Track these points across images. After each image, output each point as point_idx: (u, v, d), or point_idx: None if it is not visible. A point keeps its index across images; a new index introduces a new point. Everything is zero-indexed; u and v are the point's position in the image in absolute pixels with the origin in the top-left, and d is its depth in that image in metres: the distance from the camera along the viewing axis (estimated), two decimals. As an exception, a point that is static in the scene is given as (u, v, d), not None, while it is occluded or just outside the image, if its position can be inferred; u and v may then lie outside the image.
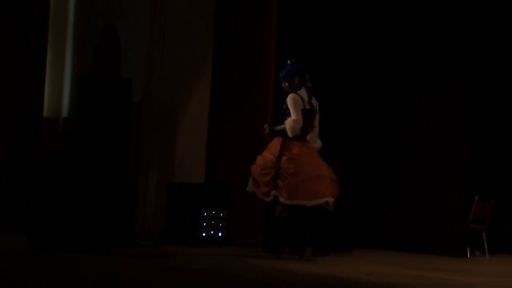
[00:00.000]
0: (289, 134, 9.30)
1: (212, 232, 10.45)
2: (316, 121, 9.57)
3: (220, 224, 10.53)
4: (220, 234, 10.50)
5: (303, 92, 9.42)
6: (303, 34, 11.27)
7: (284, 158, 9.21)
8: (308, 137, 9.46)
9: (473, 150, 11.17)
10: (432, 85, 11.38)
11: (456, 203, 10.98)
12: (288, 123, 9.30)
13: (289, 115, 9.34)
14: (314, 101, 9.52)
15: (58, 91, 12.57)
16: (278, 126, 9.43)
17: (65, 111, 12.56)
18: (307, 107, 9.38)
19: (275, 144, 9.39)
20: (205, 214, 10.43)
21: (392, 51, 11.77)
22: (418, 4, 11.55)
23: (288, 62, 9.54)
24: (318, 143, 9.60)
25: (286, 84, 9.49)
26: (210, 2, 11.24)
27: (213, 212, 10.50)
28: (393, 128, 11.71)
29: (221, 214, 10.55)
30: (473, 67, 11.20)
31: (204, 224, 10.42)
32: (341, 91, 11.65)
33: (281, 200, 9.16)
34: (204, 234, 10.39)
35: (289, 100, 9.35)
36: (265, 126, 9.61)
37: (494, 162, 11.90)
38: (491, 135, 11.87)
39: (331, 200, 9.19)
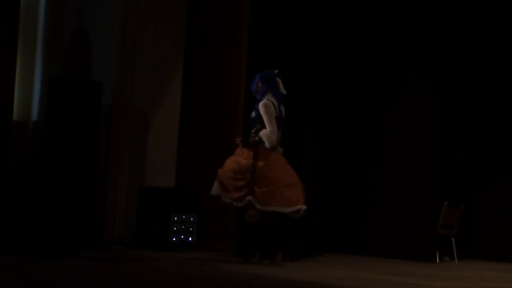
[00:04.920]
0: (267, 145, 9.23)
1: (182, 236, 10.42)
2: (280, 128, 9.57)
3: (191, 229, 10.51)
4: (190, 238, 10.48)
5: (271, 97, 9.40)
6: (274, 40, 11.29)
7: (260, 164, 9.17)
8: None
9: (442, 156, 11.25)
10: (402, 92, 11.45)
11: (426, 209, 11.05)
12: (266, 135, 9.23)
13: (260, 122, 9.30)
14: (283, 108, 9.51)
15: (28, 94, 12.48)
16: (253, 138, 9.36)
17: (34, 114, 12.47)
18: (277, 113, 9.36)
19: (247, 149, 9.35)
20: (176, 218, 10.41)
21: (363, 58, 11.82)
22: (387, 13, 11.61)
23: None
24: (279, 149, 9.57)
25: (259, 84, 9.47)
26: (182, 6, 11.23)
27: (184, 217, 10.48)
28: (363, 134, 11.76)
29: (192, 219, 10.53)
30: (442, 74, 11.29)
31: (175, 228, 10.40)
32: (312, 97, 11.68)
33: (257, 206, 9.12)
34: (174, 239, 10.37)
35: (262, 108, 9.29)
36: (238, 140, 9.48)
37: (463, 168, 11.99)
38: (460, 142, 11.96)
39: (303, 207, 9.21)
